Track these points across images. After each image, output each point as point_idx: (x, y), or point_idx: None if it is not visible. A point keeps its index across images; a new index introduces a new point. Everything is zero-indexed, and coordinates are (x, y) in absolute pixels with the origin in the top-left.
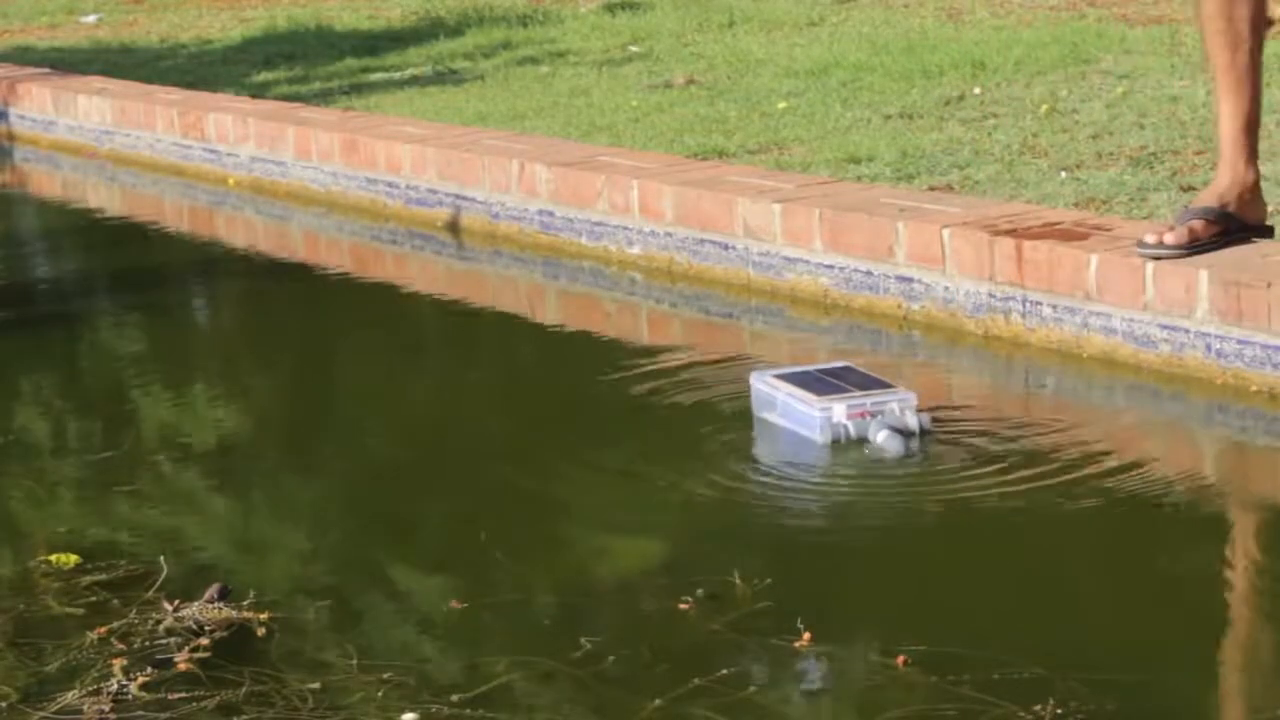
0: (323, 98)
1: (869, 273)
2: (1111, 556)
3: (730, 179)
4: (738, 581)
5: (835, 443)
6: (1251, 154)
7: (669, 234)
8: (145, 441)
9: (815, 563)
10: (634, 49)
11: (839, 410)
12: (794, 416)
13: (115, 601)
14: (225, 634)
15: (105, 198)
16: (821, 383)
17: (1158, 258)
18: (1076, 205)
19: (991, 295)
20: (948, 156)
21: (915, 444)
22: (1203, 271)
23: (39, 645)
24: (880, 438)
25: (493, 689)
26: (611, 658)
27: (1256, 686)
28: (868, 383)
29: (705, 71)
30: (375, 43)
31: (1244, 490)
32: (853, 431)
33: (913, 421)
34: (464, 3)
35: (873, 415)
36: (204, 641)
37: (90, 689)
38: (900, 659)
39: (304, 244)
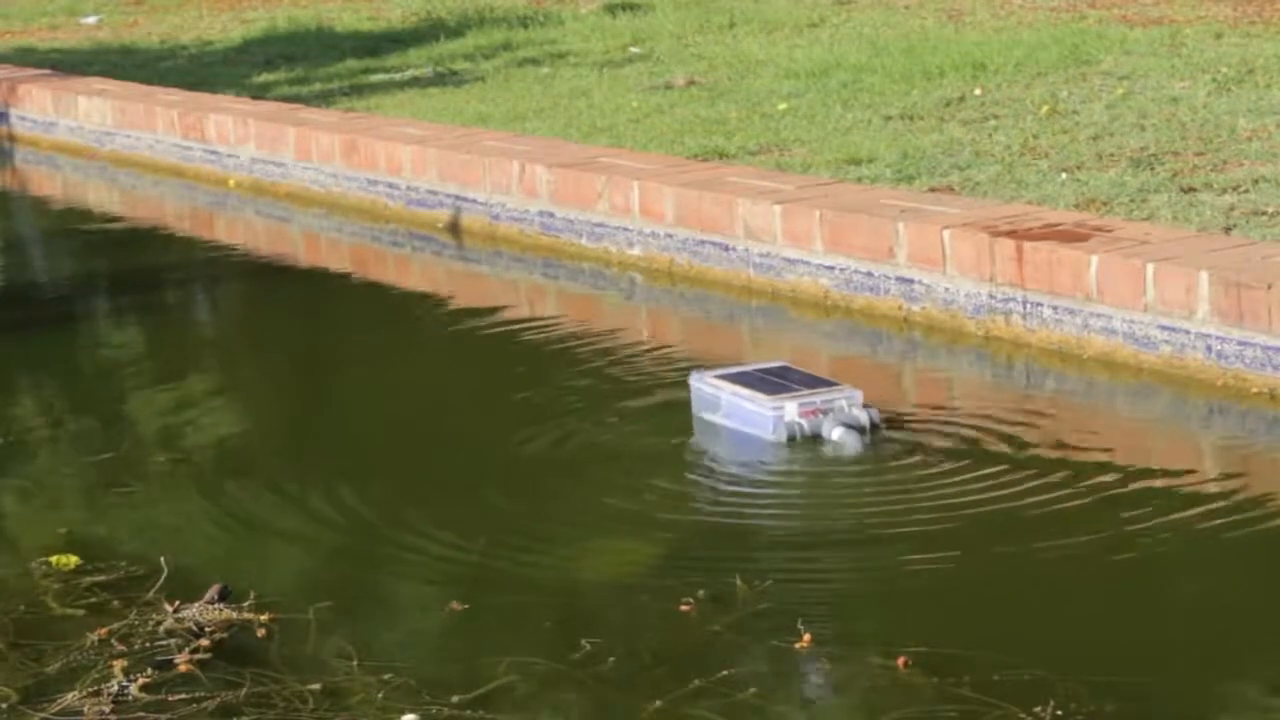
0: (323, 99)
1: (869, 274)
2: (1109, 556)
3: (731, 180)
4: (739, 582)
5: (791, 440)
6: None
7: (669, 235)
8: (145, 443)
9: (813, 562)
10: (634, 50)
11: (791, 409)
12: (741, 416)
13: (115, 602)
14: (225, 635)
15: (105, 199)
16: (766, 382)
17: None
18: (1077, 206)
19: (992, 296)
20: (948, 157)
21: (867, 439)
22: (1203, 273)
23: (39, 646)
24: (836, 434)
25: (493, 689)
26: (611, 658)
27: (1253, 686)
28: (811, 381)
29: (706, 73)
30: (376, 44)
31: (1243, 491)
32: (806, 429)
33: (863, 417)
34: (464, 4)
35: (824, 413)
36: (204, 642)
37: (91, 690)
38: (901, 660)
39: (304, 245)
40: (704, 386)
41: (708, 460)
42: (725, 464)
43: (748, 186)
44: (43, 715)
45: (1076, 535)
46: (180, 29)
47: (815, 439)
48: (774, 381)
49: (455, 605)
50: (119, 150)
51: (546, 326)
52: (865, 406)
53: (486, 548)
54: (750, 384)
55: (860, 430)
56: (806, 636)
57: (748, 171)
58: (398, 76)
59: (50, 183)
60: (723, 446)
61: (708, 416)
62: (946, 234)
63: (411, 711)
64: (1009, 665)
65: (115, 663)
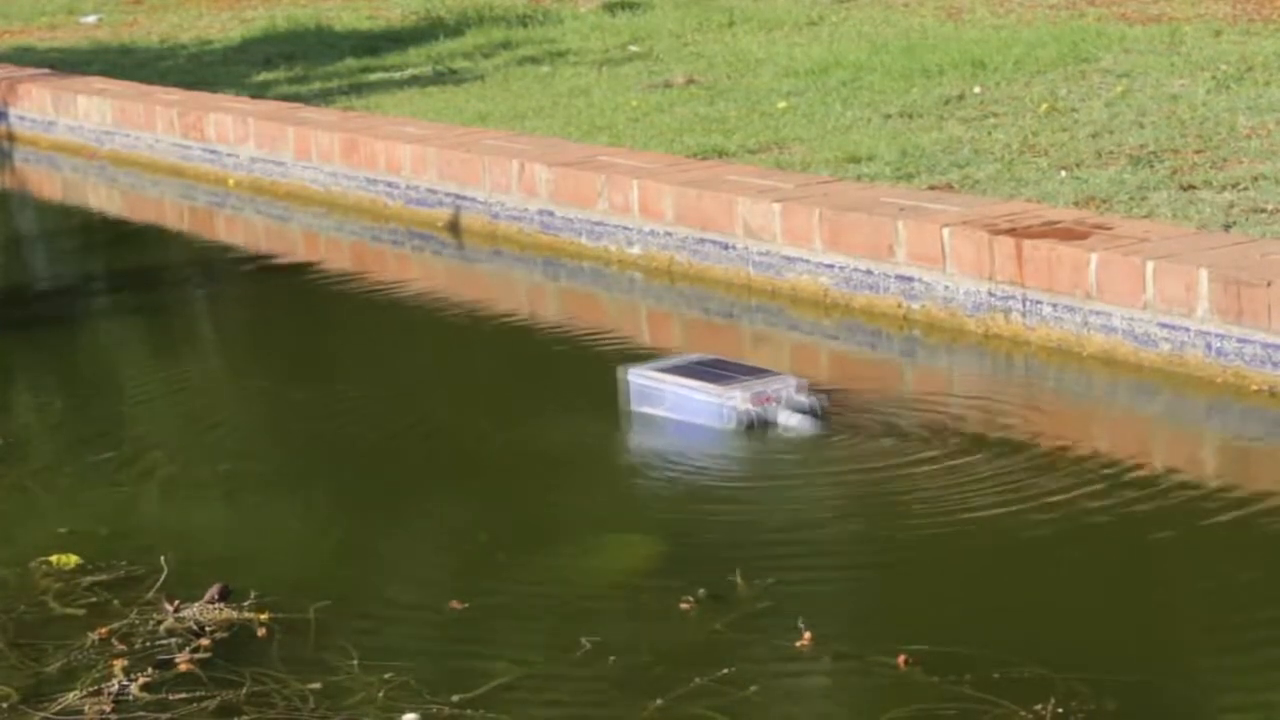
0: (323, 98)
1: (869, 272)
2: (1110, 553)
3: (730, 179)
4: (738, 581)
5: (750, 428)
6: None
7: (669, 234)
8: (144, 443)
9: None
10: (634, 49)
11: (741, 397)
12: (689, 408)
13: (115, 602)
14: (226, 634)
15: (105, 198)
16: (708, 373)
17: None
18: (1076, 204)
19: (991, 294)
20: (948, 155)
21: (820, 423)
22: (1203, 270)
23: (40, 646)
24: (793, 420)
25: (493, 689)
26: (612, 658)
27: (1253, 684)
28: (751, 370)
29: (705, 71)
30: (375, 43)
31: (1242, 487)
32: (760, 416)
33: (811, 402)
34: (464, 3)
35: (774, 400)
36: (205, 642)
37: (91, 689)
38: (901, 659)
39: (304, 244)
40: (643, 380)
41: (703, 457)
42: (720, 461)
43: (747, 185)
44: (43, 715)
45: (1077, 533)
46: (179, 28)
47: (766, 426)
48: (716, 372)
49: (455, 605)
50: (118, 150)
51: (545, 325)
52: (810, 392)
53: (486, 546)
54: (693, 375)
55: (812, 415)
56: (807, 635)
57: (747, 170)
58: (397, 75)
59: (49, 182)
60: (704, 442)
61: (647, 410)
62: (946, 232)
63: (411, 711)
64: (1009, 664)
65: (115, 662)
